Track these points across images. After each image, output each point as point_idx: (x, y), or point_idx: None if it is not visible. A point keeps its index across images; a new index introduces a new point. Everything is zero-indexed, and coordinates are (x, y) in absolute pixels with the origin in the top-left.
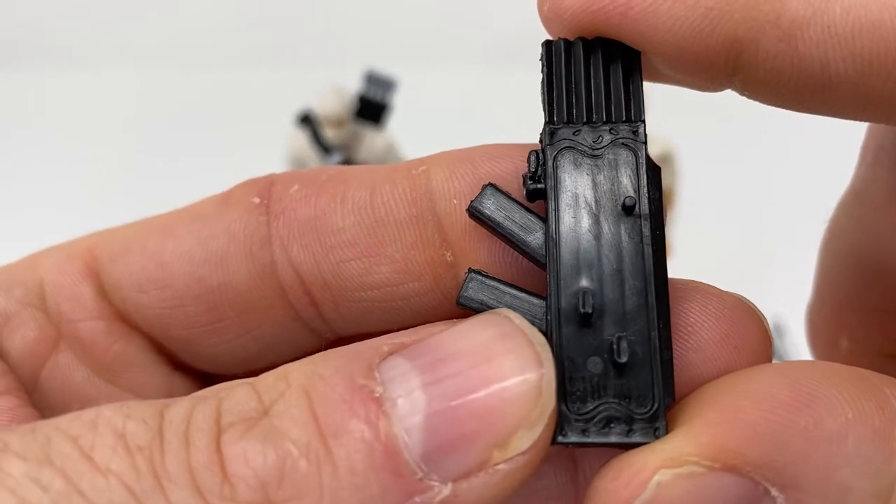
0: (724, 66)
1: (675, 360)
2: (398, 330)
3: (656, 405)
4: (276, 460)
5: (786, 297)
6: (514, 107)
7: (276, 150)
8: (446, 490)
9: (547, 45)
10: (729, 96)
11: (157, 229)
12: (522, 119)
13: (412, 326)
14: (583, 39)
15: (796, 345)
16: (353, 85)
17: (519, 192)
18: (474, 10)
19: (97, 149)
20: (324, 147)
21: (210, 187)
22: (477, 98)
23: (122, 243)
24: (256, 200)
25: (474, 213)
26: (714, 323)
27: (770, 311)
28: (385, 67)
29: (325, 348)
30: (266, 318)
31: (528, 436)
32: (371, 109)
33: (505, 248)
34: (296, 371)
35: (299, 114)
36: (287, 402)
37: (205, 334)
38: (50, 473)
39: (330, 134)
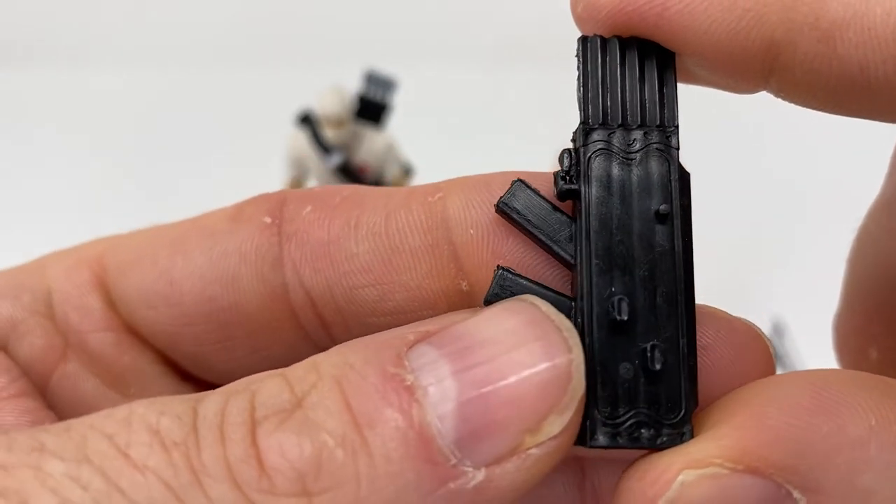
0: (761, 68)
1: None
2: None
3: (684, 411)
4: (313, 451)
5: (786, 297)
6: (514, 107)
7: (276, 150)
8: (480, 475)
9: (583, 41)
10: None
11: (167, 243)
12: (523, 119)
13: None
14: (619, 37)
15: (796, 344)
16: (353, 85)
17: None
18: (475, 9)
19: (97, 148)
20: (324, 147)
21: (210, 187)
22: (477, 98)
23: (131, 254)
24: (268, 220)
25: (503, 210)
26: (722, 348)
27: (770, 311)
28: (385, 67)
29: None
30: (276, 338)
31: (560, 420)
32: (371, 109)
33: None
34: (325, 362)
35: (299, 114)
36: (320, 393)
37: (214, 352)
38: (89, 472)
39: (330, 134)
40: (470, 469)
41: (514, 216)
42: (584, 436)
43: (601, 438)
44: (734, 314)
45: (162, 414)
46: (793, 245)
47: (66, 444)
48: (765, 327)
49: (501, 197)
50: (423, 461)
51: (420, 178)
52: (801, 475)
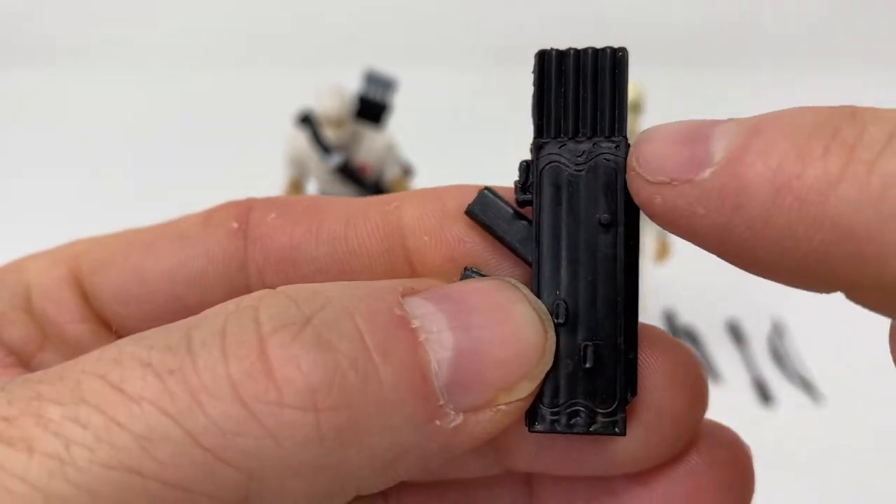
0: (836, 286)
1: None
2: None
3: (617, 402)
4: (327, 369)
5: (786, 297)
6: (513, 107)
7: (276, 150)
8: (458, 419)
9: (540, 56)
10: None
11: (140, 245)
12: (522, 119)
13: None
14: (574, 49)
15: (796, 344)
16: (353, 85)
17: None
18: (474, 10)
19: (96, 148)
20: (324, 147)
21: (210, 187)
22: (477, 98)
23: (105, 254)
24: (235, 225)
25: (471, 214)
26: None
27: (770, 311)
28: (385, 67)
29: None
30: None
31: (528, 386)
32: (371, 109)
33: None
34: (330, 290)
35: (299, 114)
36: (331, 316)
37: None
38: (87, 411)
39: (330, 134)
40: (452, 412)
41: (481, 219)
42: (528, 422)
43: (539, 426)
44: (734, 314)
45: (152, 348)
46: None
47: (61, 390)
48: (765, 327)
49: (469, 204)
50: (420, 397)
51: (420, 178)
52: None
